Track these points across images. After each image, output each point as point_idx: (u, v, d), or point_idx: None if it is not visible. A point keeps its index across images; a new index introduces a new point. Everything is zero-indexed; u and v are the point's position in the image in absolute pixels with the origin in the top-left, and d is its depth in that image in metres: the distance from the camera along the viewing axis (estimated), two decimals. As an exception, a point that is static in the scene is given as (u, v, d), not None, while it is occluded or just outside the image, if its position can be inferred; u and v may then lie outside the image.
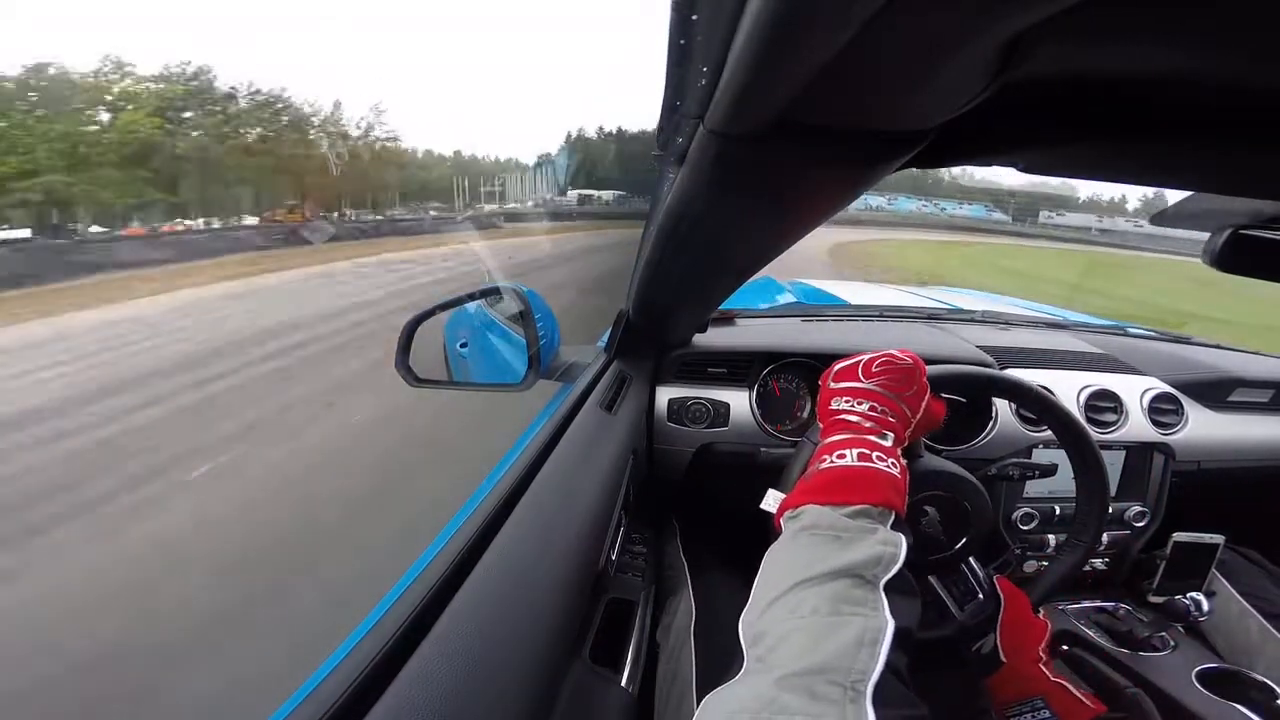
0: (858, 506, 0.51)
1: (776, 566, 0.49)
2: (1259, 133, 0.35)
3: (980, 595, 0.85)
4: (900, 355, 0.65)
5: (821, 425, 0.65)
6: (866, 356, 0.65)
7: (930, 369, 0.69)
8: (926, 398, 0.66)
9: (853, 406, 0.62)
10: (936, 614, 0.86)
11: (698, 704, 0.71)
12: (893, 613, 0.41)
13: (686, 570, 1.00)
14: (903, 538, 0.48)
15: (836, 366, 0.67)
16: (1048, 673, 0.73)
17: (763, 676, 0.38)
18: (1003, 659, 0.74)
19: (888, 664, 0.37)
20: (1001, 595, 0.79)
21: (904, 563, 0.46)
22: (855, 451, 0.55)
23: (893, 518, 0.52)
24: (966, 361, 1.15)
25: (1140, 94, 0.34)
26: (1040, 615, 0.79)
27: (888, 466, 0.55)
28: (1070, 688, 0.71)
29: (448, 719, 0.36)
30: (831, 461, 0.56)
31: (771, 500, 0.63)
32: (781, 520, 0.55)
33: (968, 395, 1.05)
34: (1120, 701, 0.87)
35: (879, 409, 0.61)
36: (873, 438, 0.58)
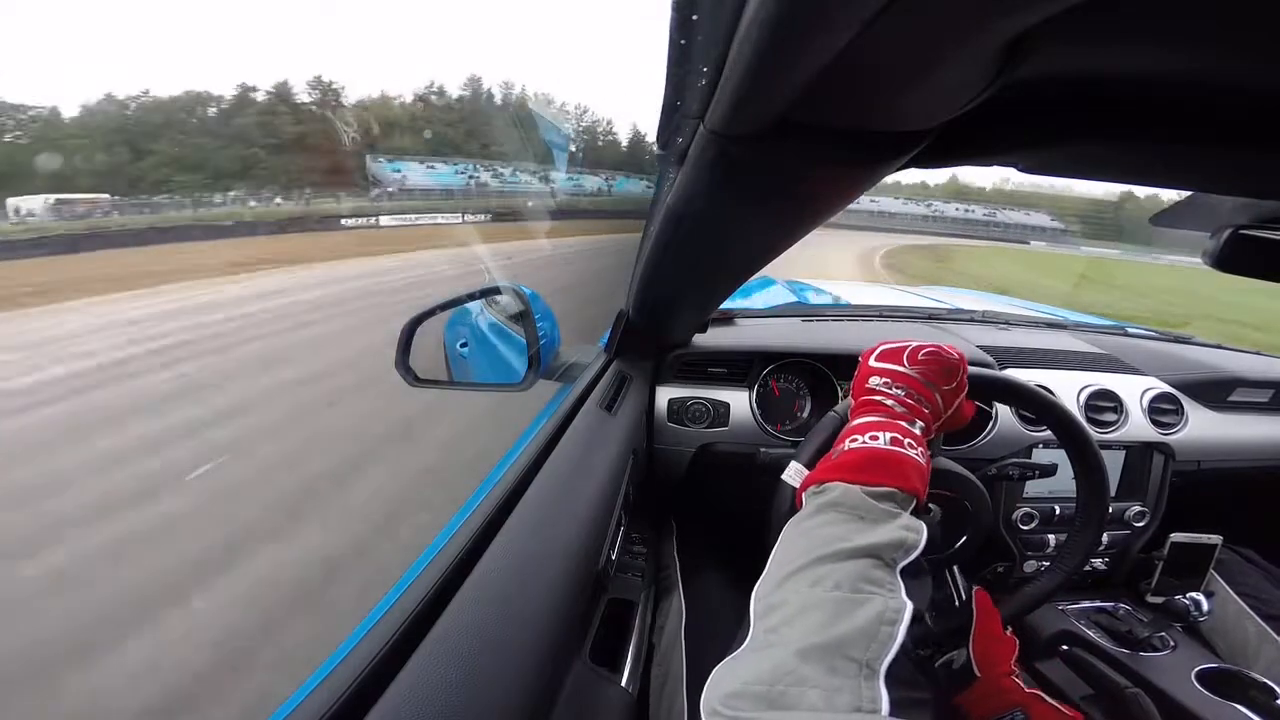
0: (885, 489, 0.51)
1: (797, 540, 0.49)
2: (1259, 133, 0.35)
3: (956, 605, 0.84)
4: (948, 349, 0.65)
5: (853, 401, 0.64)
6: (915, 343, 0.65)
7: (971, 370, 0.68)
8: (963, 396, 0.66)
9: (890, 389, 0.62)
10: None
11: (689, 704, 0.71)
12: (908, 595, 0.42)
13: (678, 571, 1.00)
14: (924, 525, 0.49)
15: (881, 346, 0.67)
16: (1021, 685, 0.73)
17: (779, 649, 0.38)
18: (976, 674, 0.74)
19: (901, 645, 0.38)
20: (975, 610, 0.79)
21: (923, 550, 0.47)
22: (888, 435, 0.55)
23: (913, 505, 0.52)
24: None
25: (1140, 94, 0.34)
26: (1009, 632, 0.79)
27: (917, 454, 0.55)
28: (1045, 698, 0.71)
29: (448, 718, 0.36)
30: (863, 441, 0.55)
31: (794, 473, 0.63)
32: (804, 495, 0.55)
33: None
34: (1120, 701, 0.87)
35: (915, 396, 0.61)
36: (904, 423, 0.58)
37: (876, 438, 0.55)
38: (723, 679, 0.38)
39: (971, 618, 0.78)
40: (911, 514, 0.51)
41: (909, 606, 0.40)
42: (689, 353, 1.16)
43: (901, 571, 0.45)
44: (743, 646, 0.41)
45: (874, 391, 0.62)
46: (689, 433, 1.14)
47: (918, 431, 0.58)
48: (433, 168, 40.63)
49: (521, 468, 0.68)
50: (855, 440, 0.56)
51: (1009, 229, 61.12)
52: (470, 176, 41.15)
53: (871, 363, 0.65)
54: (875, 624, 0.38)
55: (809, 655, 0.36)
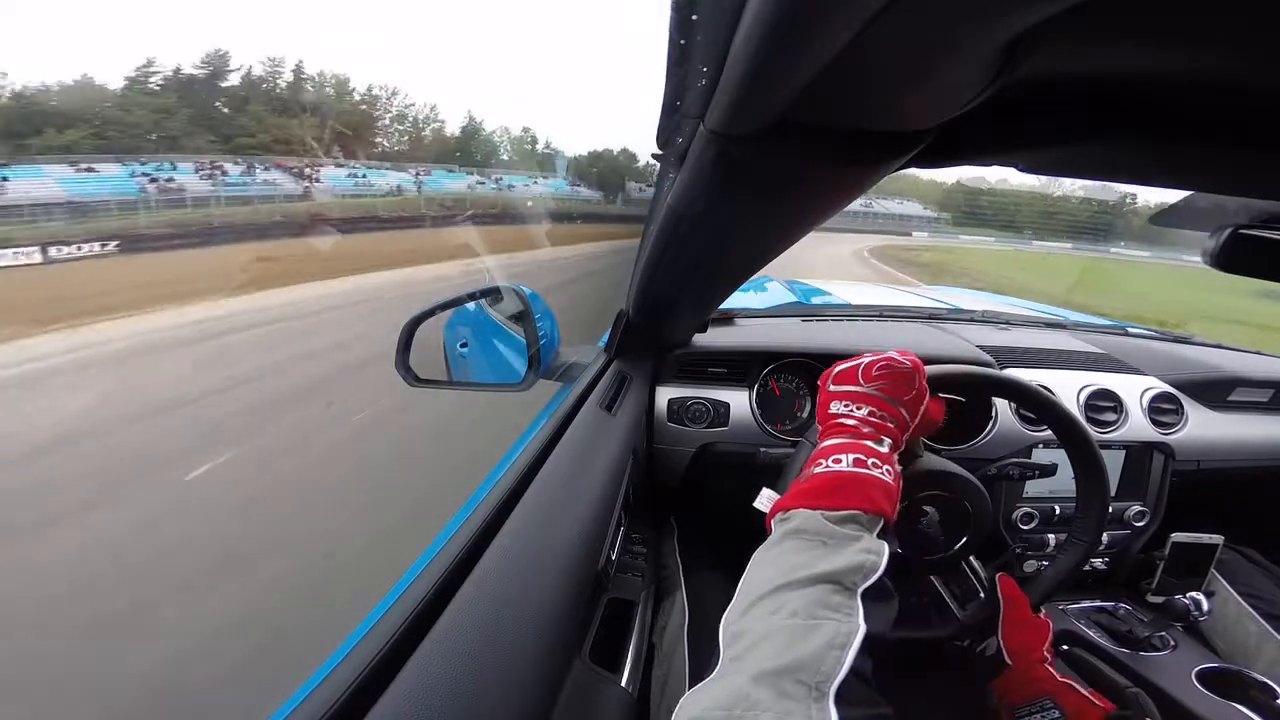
0: (847, 512, 0.51)
1: (762, 568, 0.50)
2: (1259, 133, 0.35)
3: (981, 595, 0.84)
4: (900, 359, 0.65)
5: (820, 428, 0.65)
6: (866, 360, 0.65)
7: (930, 369, 0.68)
8: (926, 401, 0.66)
9: (851, 411, 0.62)
10: (937, 613, 0.86)
11: None
12: (866, 618, 0.43)
13: (680, 571, 1.00)
14: (885, 546, 0.49)
15: (836, 369, 0.67)
16: (1054, 672, 0.73)
17: (737, 676, 0.39)
18: (1008, 661, 0.74)
19: (853, 667, 0.39)
20: (1002, 597, 0.79)
21: (884, 571, 0.47)
22: (851, 457, 0.56)
23: (880, 524, 0.52)
24: (967, 361, 1.14)
25: (1140, 94, 0.34)
26: (1042, 614, 0.79)
27: (882, 473, 0.55)
28: (1078, 687, 0.71)
29: (448, 718, 0.36)
30: (827, 466, 0.56)
31: (765, 500, 0.63)
32: (772, 522, 0.56)
33: (968, 395, 1.05)
34: (1121, 701, 0.87)
35: (878, 414, 0.61)
36: (869, 443, 0.58)
37: (839, 461, 0.56)
38: (686, 707, 0.39)
39: (999, 606, 0.78)
40: (880, 533, 0.52)
41: (861, 629, 0.42)
42: (689, 353, 1.16)
43: (865, 593, 0.45)
44: (711, 675, 0.42)
45: (836, 415, 0.63)
46: (689, 433, 1.14)
47: (884, 450, 0.58)
48: (91, 170, 26.39)
49: (521, 468, 0.68)
50: (819, 465, 0.57)
51: (889, 219, 59.20)
52: (153, 179, 27.03)
53: (830, 387, 0.66)
54: (825, 649, 0.39)
55: (762, 680, 0.37)
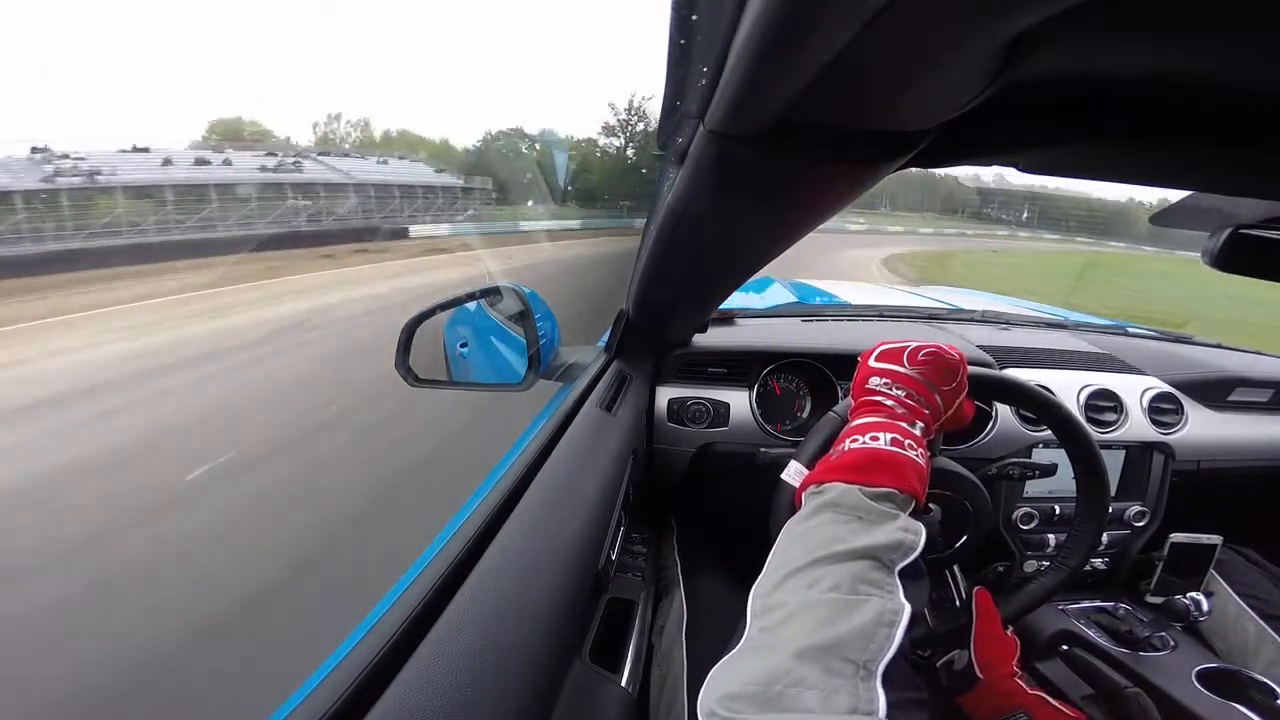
0: (884, 490, 0.50)
1: (796, 541, 0.48)
2: (1259, 133, 0.35)
3: (956, 604, 0.84)
4: (948, 350, 0.64)
5: (853, 402, 0.64)
6: (914, 343, 0.64)
7: (972, 370, 0.68)
8: (962, 397, 0.66)
9: (890, 389, 0.61)
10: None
11: (689, 704, 0.71)
12: (906, 597, 0.42)
13: (679, 572, 1.00)
14: (923, 527, 0.48)
15: (881, 346, 0.66)
16: (1024, 686, 0.73)
17: (776, 650, 0.38)
18: (979, 675, 0.74)
19: (899, 647, 0.38)
20: (976, 610, 0.79)
21: (921, 551, 0.46)
22: (888, 435, 0.55)
23: (912, 506, 0.52)
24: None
25: (1141, 94, 0.34)
26: (1009, 632, 0.79)
27: (916, 456, 0.55)
28: (1049, 699, 0.71)
29: (448, 718, 0.36)
30: (863, 442, 0.55)
31: (793, 473, 0.63)
32: (804, 495, 0.55)
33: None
34: (1120, 701, 0.87)
35: (916, 397, 0.61)
36: (904, 424, 0.58)
37: (877, 438, 0.55)
38: (719, 680, 0.38)
39: (972, 618, 0.78)
40: (910, 515, 0.51)
41: (907, 608, 0.41)
42: (689, 353, 1.16)
43: (899, 573, 0.45)
44: (739, 647, 0.41)
45: (874, 392, 0.62)
46: (689, 433, 1.14)
47: (917, 432, 0.58)
48: None
49: (521, 468, 0.68)
50: (855, 440, 0.56)
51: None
52: None
53: (871, 363, 0.65)
54: (873, 626, 0.38)
55: (806, 656, 0.36)
